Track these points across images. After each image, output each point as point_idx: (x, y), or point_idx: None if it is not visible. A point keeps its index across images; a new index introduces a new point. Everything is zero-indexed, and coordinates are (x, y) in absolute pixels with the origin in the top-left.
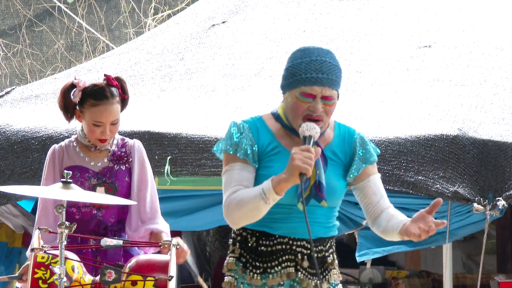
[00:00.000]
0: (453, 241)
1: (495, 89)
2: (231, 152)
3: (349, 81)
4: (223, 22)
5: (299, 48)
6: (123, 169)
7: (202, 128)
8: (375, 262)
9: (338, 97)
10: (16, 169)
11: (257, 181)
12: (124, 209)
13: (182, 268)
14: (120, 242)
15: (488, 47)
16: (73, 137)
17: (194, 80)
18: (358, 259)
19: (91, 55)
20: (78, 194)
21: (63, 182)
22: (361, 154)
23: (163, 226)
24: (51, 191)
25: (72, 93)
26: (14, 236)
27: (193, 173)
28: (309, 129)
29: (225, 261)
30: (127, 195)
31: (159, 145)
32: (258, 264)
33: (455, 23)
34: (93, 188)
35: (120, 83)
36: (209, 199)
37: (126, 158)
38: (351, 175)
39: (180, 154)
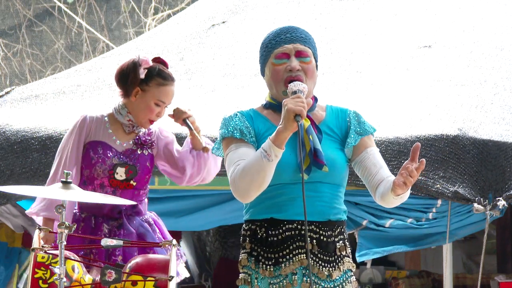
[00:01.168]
0: (453, 241)
1: (495, 89)
2: (227, 136)
3: (349, 81)
4: (223, 22)
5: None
6: (146, 154)
7: (202, 128)
8: (375, 262)
9: (316, 59)
10: (16, 169)
11: None
12: (140, 192)
13: None
14: (121, 242)
15: (488, 47)
16: (105, 112)
17: (194, 80)
18: (358, 259)
19: (91, 55)
20: (78, 194)
21: (63, 182)
22: (356, 126)
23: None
24: (51, 191)
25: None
26: (14, 236)
27: None
28: (296, 85)
29: (239, 257)
30: (144, 181)
31: None
32: (269, 256)
33: (455, 23)
34: (113, 167)
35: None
36: (209, 199)
37: (150, 145)
38: (349, 145)
39: None
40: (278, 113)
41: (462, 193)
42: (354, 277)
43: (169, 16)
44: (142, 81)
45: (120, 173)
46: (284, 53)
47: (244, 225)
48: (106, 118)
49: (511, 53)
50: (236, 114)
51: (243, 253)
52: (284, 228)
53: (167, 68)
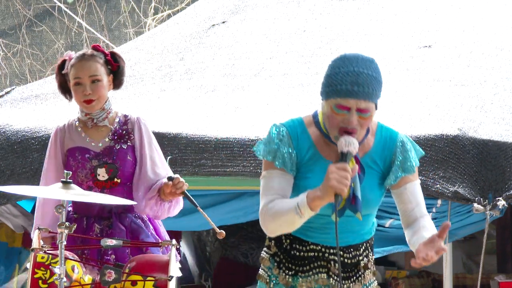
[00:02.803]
0: (453, 241)
1: (495, 89)
2: (269, 158)
3: None
4: (223, 22)
5: (340, 55)
6: (125, 147)
7: (202, 128)
8: (375, 262)
9: (376, 107)
10: (16, 169)
11: (295, 191)
12: (129, 190)
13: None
14: (120, 242)
15: (488, 47)
16: (76, 116)
17: (194, 80)
18: None
19: None
20: (78, 194)
21: (63, 182)
22: (400, 162)
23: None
24: (51, 191)
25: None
26: (14, 236)
27: (193, 173)
28: (347, 144)
29: (261, 254)
30: (129, 174)
31: (159, 145)
32: (290, 266)
33: (455, 23)
34: (94, 170)
35: (111, 53)
36: (209, 199)
37: (127, 136)
38: (389, 183)
39: (180, 154)
40: (326, 140)
41: (462, 193)
42: (376, 282)
43: (169, 16)
44: (67, 75)
45: (102, 174)
46: (346, 106)
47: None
48: (76, 122)
49: (511, 53)
50: (283, 132)
51: (266, 252)
52: (308, 248)
53: (113, 56)
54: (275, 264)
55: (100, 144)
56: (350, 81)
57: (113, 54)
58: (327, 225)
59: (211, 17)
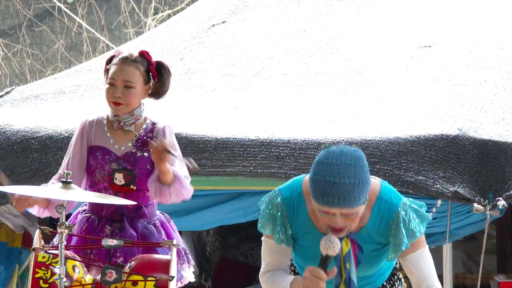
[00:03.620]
0: (453, 241)
1: (495, 89)
2: (267, 233)
3: (349, 81)
4: (223, 22)
5: (324, 159)
6: (146, 156)
7: (202, 128)
8: None
9: (365, 202)
10: (16, 169)
11: (294, 252)
12: (146, 194)
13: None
14: (121, 242)
15: (488, 47)
16: (105, 114)
17: (194, 80)
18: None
19: (91, 55)
20: (78, 194)
21: (63, 182)
22: (396, 239)
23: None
24: (51, 191)
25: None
26: (14, 236)
27: (193, 173)
28: (327, 248)
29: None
30: (146, 183)
31: None
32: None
33: (455, 23)
34: (111, 173)
35: (158, 64)
36: (209, 199)
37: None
38: (390, 259)
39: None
40: None
41: (462, 193)
42: None
43: (169, 16)
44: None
45: (119, 179)
46: (329, 212)
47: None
48: (105, 121)
49: (511, 53)
50: (280, 208)
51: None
52: None
53: (158, 67)
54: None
55: (123, 148)
56: (331, 193)
57: (159, 65)
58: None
59: (211, 17)
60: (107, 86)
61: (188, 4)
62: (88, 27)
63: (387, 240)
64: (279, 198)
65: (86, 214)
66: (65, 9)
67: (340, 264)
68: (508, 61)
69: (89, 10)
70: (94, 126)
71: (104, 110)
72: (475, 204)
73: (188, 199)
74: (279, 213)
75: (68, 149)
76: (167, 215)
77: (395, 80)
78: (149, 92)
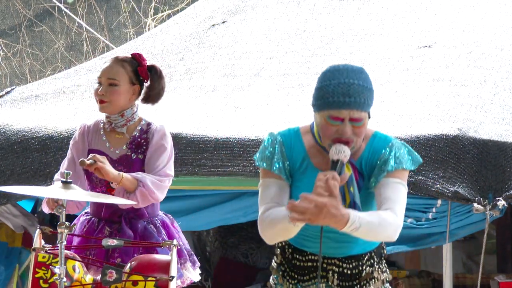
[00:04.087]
0: (453, 241)
1: (495, 89)
2: (264, 167)
3: None
4: (223, 22)
5: (330, 67)
6: (141, 158)
7: (202, 128)
8: None
9: (369, 116)
10: (16, 169)
11: (291, 194)
12: None
13: None
14: (121, 242)
15: (488, 47)
16: (103, 118)
17: (194, 80)
18: None
19: (91, 55)
20: (78, 194)
21: (63, 182)
22: (381, 163)
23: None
24: (51, 191)
25: None
26: (14, 236)
27: (193, 173)
28: (338, 152)
29: (272, 263)
30: None
31: None
32: (293, 275)
33: (455, 23)
34: None
35: (149, 66)
36: (209, 199)
37: (145, 147)
38: (372, 185)
39: (180, 154)
40: (319, 149)
41: (462, 193)
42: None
43: (169, 16)
44: None
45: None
46: (339, 117)
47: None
48: (101, 124)
49: (511, 53)
50: (277, 141)
51: (275, 261)
52: (307, 258)
53: (150, 70)
54: (281, 273)
55: (117, 151)
56: (342, 93)
57: (150, 68)
58: (325, 233)
59: (211, 17)
60: (96, 85)
61: (188, 4)
62: (88, 28)
63: (372, 171)
64: (277, 136)
65: (87, 216)
66: (65, 10)
67: (343, 188)
68: (508, 61)
69: (89, 10)
70: (92, 130)
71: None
72: (475, 204)
73: (158, 200)
74: (276, 147)
75: (68, 152)
76: (170, 216)
77: (395, 80)
78: (139, 94)
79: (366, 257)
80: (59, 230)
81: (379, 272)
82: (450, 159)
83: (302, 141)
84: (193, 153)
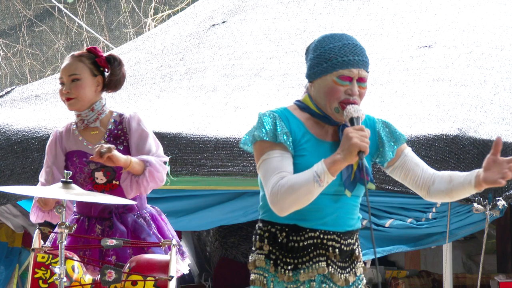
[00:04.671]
0: (453, 241)
1: (495, 89)
2: (266, 139)
3: None
4: (223, 22)
5: (325, 35)
6: (121, 149)
7: (202, 128)
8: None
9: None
10: (16, 169)
11: (294, 170)
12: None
13: None
14: (121, 242)
15: (488, 47)
16: (73, 119)
17: (194, 80)
18: None
19: None
20: (78, 194)
21: (63, 182)
22: (388, 136)
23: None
24: (51, 191)
25: None
26: (14, 236)
27: (193, 173)
28: (356, 110)
29: (251, 257)
30: None
31: None
32: (289, 260)
33: (455, 23)
34: (91, 174)
35: (108, 56)
36: (209, 199)
37: (123, 137)
38: (388, 159)
39: (180, 154)
40: (318, 121)
41: None
42: (365, 280)
43: (169, 16)
44: None
45: (100, 177)
46: (349, 77)
47: (260, 224)
48: (74, 126)
49: (511, 53)
50: (273, 114)
51: (259, 253)
52: (306, 236)
53: (109, 60)
54: (271, 262)
55: (96, 146)
56: (350, 52)
57: (109, 57)
58: (324, 205)
59: (211, 17)
60: (60, 86)
61: (188, 4)
62: (87, 28)
63: (377, 146)
64: (270, 112)
65: (75, 216)
66: (65, 11)
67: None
68: (508, 61)
69: (89, 10)
70: (65, 134)
71: (72, 116)
72: (475, 204)
73: (163, 181)
74: (276, 121)
75: (44, 160)
76: (158, 208)
77: (395, 80)
78: (104, 85)
79: (355, 236)
80: (59, 230)
81: (361, 259)
82: (450, 159)
83: (295, 116)
84: (193, 153)
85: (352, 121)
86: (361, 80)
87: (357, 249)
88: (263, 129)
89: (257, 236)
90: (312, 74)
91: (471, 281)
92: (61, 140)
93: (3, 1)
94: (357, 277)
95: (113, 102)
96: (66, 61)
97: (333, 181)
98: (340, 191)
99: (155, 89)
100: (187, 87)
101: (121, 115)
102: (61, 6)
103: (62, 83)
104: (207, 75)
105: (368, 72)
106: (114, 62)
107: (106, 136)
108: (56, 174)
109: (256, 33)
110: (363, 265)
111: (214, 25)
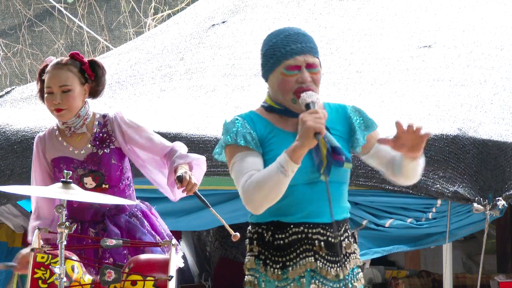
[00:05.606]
0: (453, 241)
1: (495, 89)
2: (230, 142)
3: (349, 81)
4: (223, 22)
5: (270, 33)
6: (108, 152)
7: (202, 128)
8: (375, 262)
9: (320, 65)
10: (16, 169)
11: (264, 167)
12: (120, 192)
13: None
14: (120, 242)
15: (488, 47)
16: (55, 125)
17: (194, 80)
18: None
19: (91, 55)
20: (78, 194)
21: (63, 182)
22: (360, 122)
23: (180, 149)
24: (51, 191)
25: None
26: (14, 236)
27: None
28: (309, 96)
29: (245, 260)
30: (116, 178)
31: None
32: (277, 259)
33: (455, 23)
34: (80, 179)
35: (90, 62)
36: (209, 199)
37: (109, 140)
38: (360, 144)
39: None
40: (282, 116)
41: (462, 193)
42: (361, 273)
43: (169, 16)
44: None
45: (89, 182)
46: (296, 65)
47: (250, 228)
48: (56, 132)
49: (511, 53)
50: (237, 119)
51: (249, 255)
52: (290, 232)
53: (92, 65)
54: (261, 262)
55: (83, 152)
56: (292, 41)
57: (92, 63)
58: (304, 197)
59: (211, 17)
60: (46, 95)
61: (188, 4)
62: (87, 29)
63: (350, 133)
64: (235, 117)
65: (68, 220)
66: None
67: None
68: (508, 61)
69: (89, 10)
70: (47, 140)
71: (52, 121)
72: (475, 204)
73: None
74: (237, 124)
75: (32, 172)
76: (147, 203)
77: (395, 80)
78: (89, 92)
79: (344, 227)
80: (59, 230)
81: (356, 247)
82: (450, 159)
83: (261, 116)
84: (193, 153)
85: (308, 106)
86: (310, 66)
87: (346, 240)
88: (227, 136)
89: (247, 239)
90: (264, 73)
91: (471, 281)
92: (44, 148)
93: (3, 1)
94: (350, 271)
95: (113, 102)
96: (53, 69)
97: (305, 168)
98: (315, 178)
99: (155, 89)
100: (187, 87)
101: (104, 116)
102: (60, 7)
103: (50, 93)
104: (207, 75)
105: (317, 57)
106: (98, 70)
107: (91, 140)
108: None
109: (256, 33)
110: (358, 257)
111: (214, 25)
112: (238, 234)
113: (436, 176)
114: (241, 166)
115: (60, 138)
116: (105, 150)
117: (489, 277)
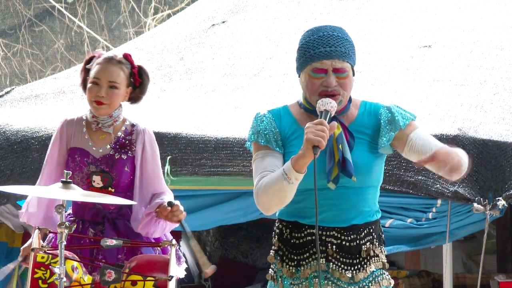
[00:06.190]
0: (453, 241)
1: (495, 89)
2: (253, 140)
3: None
4: (223, 22)
5: (307, 29)
6: (124, 158)
7: (202, 128)
8: None
9: (353, 71)
10: (16, 169)
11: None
12: (124, 195)
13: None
14: (120, 242)
15: (488, 47)
16: (84, 114)
17: (194, 80)
18: None
19: None
20: (78, 194)
21: (63, 182)
22: (386, 122)
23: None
24: (51, 191)
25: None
26: (14, 236)
27: (193, 173)
28: (324, 104)
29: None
30: (124, 185)
31: (159, 145)
32: (292, 257)
33: (455, 23)
34: (89, 175)
35: (139, 68)
36: (209, 199)
37: (129, 147)
38: (383, 145)
39: (180, 154)
40: (307, 113)
41: (462, 193)
42: (386, 274)
43: (169, 16)
44: (88, 70)
45: (97, 181)
46: (322, 69)
47: (276, 221)
48: (83, 122)
49: (511, 53)
50: (265, 115)
51: (272, 249)
52: (305, 232)
53: (140, 71)
54: (279, 258)
55: (101, 150)
56: (323, 44)
57: (140, 69)
58: (322, 201)
59: (211, 17)
60: (90, 85)
61: (188, 4)
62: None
63: (377, 133)
64: (264, 112)
65: (71, 218)
66: (65, 11)
67: (332, 145)
68: (508, 61)
69: (89, 10)
70: (74, 127)
71: (84, 110)
72: (475, 204)
73: None
74: (265, 120)
75: (47, 154)
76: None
77: (395, 80)
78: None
79: (365, 231)
80: (59, 230)
81: (381, 250)
82: None
83: (291, 112)
84: (193, 153)
85: (320, 114)
86: (337, 71)
87: (367, 244)
88: (251, 133)
89: (273, 233)
90: (297, 70)
91: (471, 281)
92: (67, 133)
93: (3, 1)
94: (369, 274)
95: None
96: (107, 64)
97: (321, 174)
98: (339, 184)
99: (155, 89)
100: (187, 87)
101: (133, 125)
102: (60, 7)
103: (96, 84)
104: (207, 75)
105: (347, 62)
106: (144, 78)
107: (112, 142)
108: (55, 169)
109: (256, 33)
110: (383, 259)
111: (214, 25)
112: (211, 269)
113: (436, 176)
114: (259, 166)
115: (84, 130)
116: (122, 156)
117: (489, 277)
